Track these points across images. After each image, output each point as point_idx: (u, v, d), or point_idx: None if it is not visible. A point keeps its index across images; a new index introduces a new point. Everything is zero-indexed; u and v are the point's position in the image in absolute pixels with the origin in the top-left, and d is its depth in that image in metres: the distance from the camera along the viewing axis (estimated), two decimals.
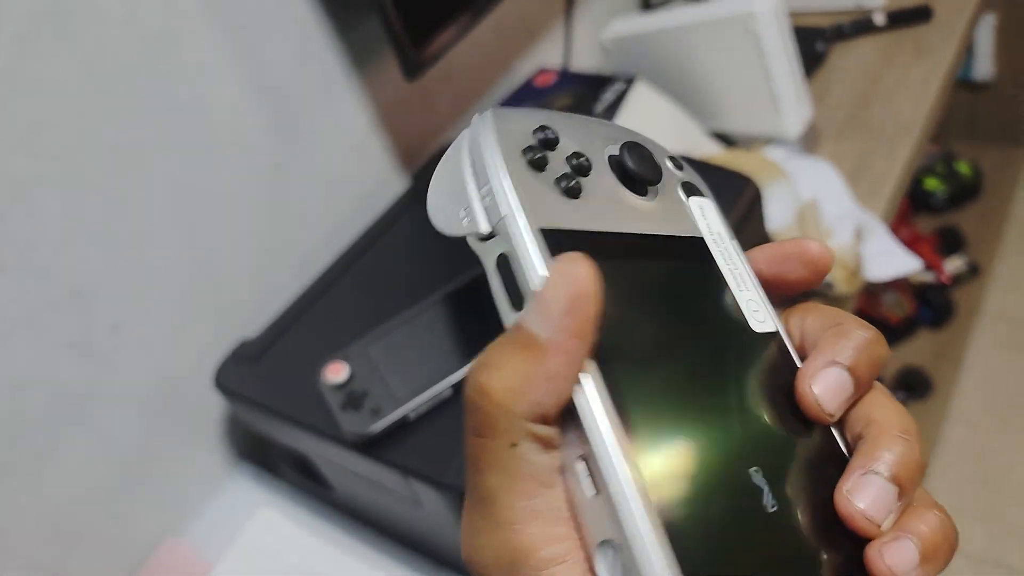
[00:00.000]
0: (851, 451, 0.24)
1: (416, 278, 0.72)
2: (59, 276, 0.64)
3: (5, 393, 0.62)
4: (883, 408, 0.24)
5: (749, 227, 0.70)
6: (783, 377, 0.25)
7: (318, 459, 0.67)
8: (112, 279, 0.67)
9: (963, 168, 1.86)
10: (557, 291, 0.21)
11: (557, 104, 0.98)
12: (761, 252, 0.28)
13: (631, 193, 0.26)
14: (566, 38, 1.12)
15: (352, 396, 0.59)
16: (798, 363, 0.25)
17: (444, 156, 0.26)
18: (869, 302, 1.61)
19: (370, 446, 0.57)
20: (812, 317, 0.26)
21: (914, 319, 1.64)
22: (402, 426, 0.57)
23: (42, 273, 0.63)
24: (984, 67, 1.83)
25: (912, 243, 1.71)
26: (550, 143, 0.25)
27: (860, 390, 0.24)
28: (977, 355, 1.63)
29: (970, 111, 1.92)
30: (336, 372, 0.60)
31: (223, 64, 0.72)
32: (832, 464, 0.23)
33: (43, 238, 0.63)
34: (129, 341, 0.69)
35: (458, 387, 0.59)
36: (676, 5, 1.22)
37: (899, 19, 1.11)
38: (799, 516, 0.22)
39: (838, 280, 0.73)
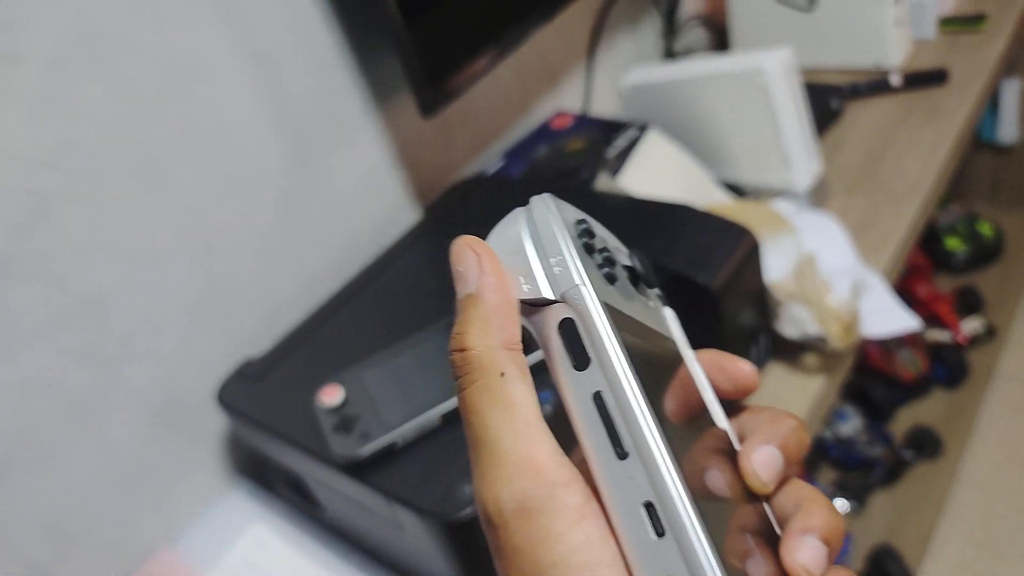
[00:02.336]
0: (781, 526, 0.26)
1: (419, 309, 0.74)
2: (76, 287, 0.67)
3: (14, 395, 0.65)
4: (811, 490, 0.27)
5: (746, 277, 0.72)
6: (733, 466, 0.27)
7: (310, 479, 0.68)
8: (126, 292, 0.70)
9: (985, 229, 1.86)
10: (469, 258, 0.26)
11: (570, 147, 1.00)
12: (703, 355, 0.31)
13: (637, 292, 0.29)
14: (586, 83, 1.15)
15: (344, 419, 0.61)
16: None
17: (496, 233, 0.28)
18: (884, 358, 1.60)
19: (358, 469, 0.59)
20: (747, 415, 0.30)
21: (928, 378, 1.63)
22: (390, 452, 0.59)
23: (60, 283, 0.66)
24: (1009, 130, 1.83)
25: (930, 302, 1.70)
26: (591, 234, 0.28)
27: (790, 468, 0.27)
28: (990, 417, 1.61)
29: (994, 173, 1.92)
30: (331, 395, 0.62)
31: (246, 93, 0.76)
32: (763, 538, 0.26)
33: (63, 250, 0.66)
34: (138, 353, 0.72)
35: (447, 417, 0.60)
36: (693, 57, 1.25)
37: (915, 81, 1.13)
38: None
39: (832, 335, 0.74)
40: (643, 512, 0.23)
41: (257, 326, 0.81)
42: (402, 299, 0.78)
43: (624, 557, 0.23)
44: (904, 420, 1.59)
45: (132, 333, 0.71)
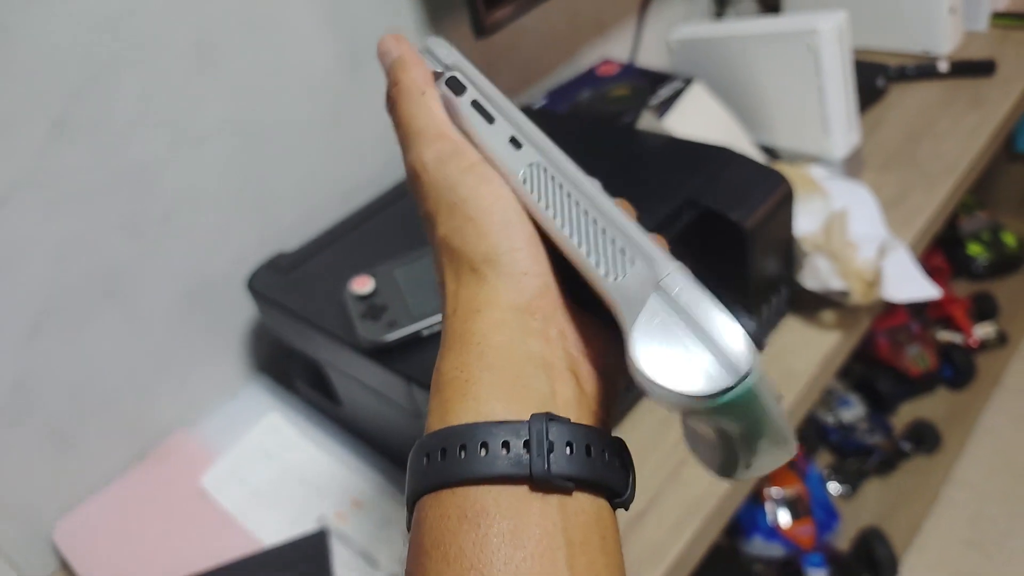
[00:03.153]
0: None
1: None
2: (122, 157, 0.68)
3: (52, 257, 0.67)
4: None
5: (777, 222, 0.73)
6: None
7: (331, 369, 0.70)
8: (170, 170, 0.72)
9: (1008, 239, 1.86)
10: (389, 43, 0.38)
11: (614, 93, 1.01)
12: None
13: None
14: (636, 35, 1.16)
15: (372, 308, 0.62)
16: None
17: None
18: (892, 352, 1.61)
19: (382, 354, 0.60)
20: None
21: (935, 375, 1.64)
22: (415, 341, 0.61)
23: (108, 150, 0.67)
24: None
25: (946, 304, 1.71)
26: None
27: None
28: (991, 422, 1.62)
29: (1023, 184, 1.91)
30: (362, 285, 0.64)
31: None
32: None
33: (115, 118, 0.67)
34: (176, 231, 0.74)
35: None
36: (746, 18, 1.25)
37: (962, 69, 1.13)
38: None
39: (855, 291, 0.75)
40: (508, 142, 0.34)
41: (292, 223, 0.82)
42: None
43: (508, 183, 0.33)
44: (906, 414, 1.60)
45: (172, 210, 0.73)
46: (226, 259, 0.78)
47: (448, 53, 0.38)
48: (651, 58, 1.18)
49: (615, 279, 0.29)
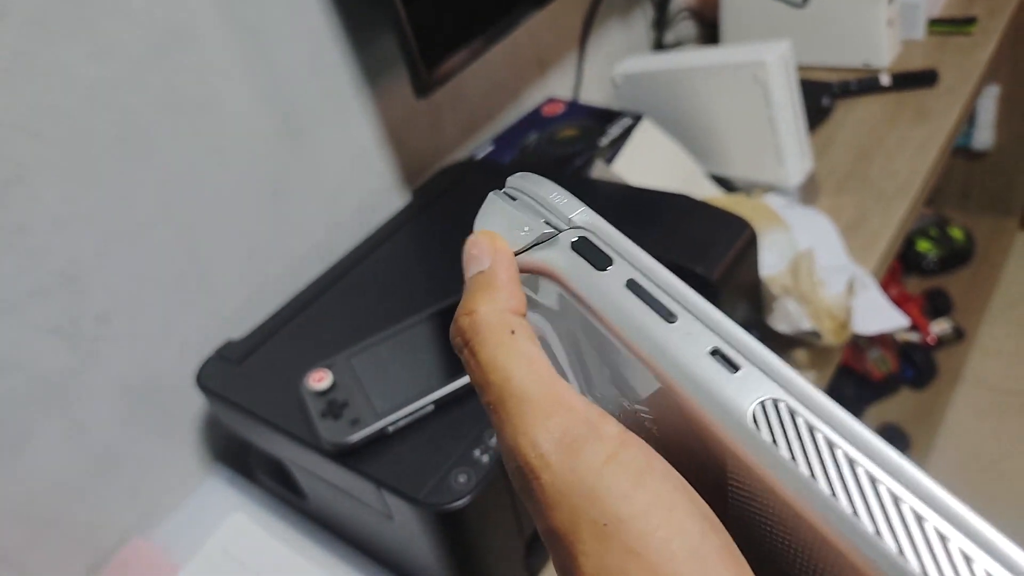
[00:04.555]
0: None
1: (407, 294, 0.73)
2: (51, 260, 0.64)
3: None
4: None
5: (743, 270, 0.71)
6: None
7: (294, 466, 0.66)
8: (104, 268, 0.67)
9: (956, 233, 1.89)
10: (483, 241, 0.27)
11: (562, 135, 0.99)
12: None
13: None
14: (577, 71, 1.14)
15: (333, 405, 0.59)
16: None
17: (484, 213, 0.28)
18: (854, 356, 1.62)
19: (347, 456, 0.57)
20: None
21: (897, 377, 1.65)
22: (380, 439, 0.57)
23: (34, 256, 0.63)
24: (984, 137, 1.86)
25: (900, 303, 1.72)
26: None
27: None
28: (955, 417, 1.63)
29: (967, 178, 1.95)
30: (319, 380, 0.60)
31: (235, 66, 0.73)
32: None
33: (38, 221, 0.62)
34: (115, 332, 0.69)
35: (439, 404, 0.59)
36: (688, 48, 1.24)
37: (905, 81, 1.13)
38: None
39: (826, 331, 0.73)
40: (708, 356, 0.22)
41: (239, 307, 0.78)
42: (389, 283, 0.75)
43: (697, 412, 0.22)
44: (873, 418, 1.61)
45: (109, 310, 0.68)
46: (171, 353, 0.73)
47: (565, 197, 0.27)
48: (595, 93, 1.16)
49: None
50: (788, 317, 0.74)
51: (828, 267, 0.80)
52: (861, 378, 1.63)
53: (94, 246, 0.66)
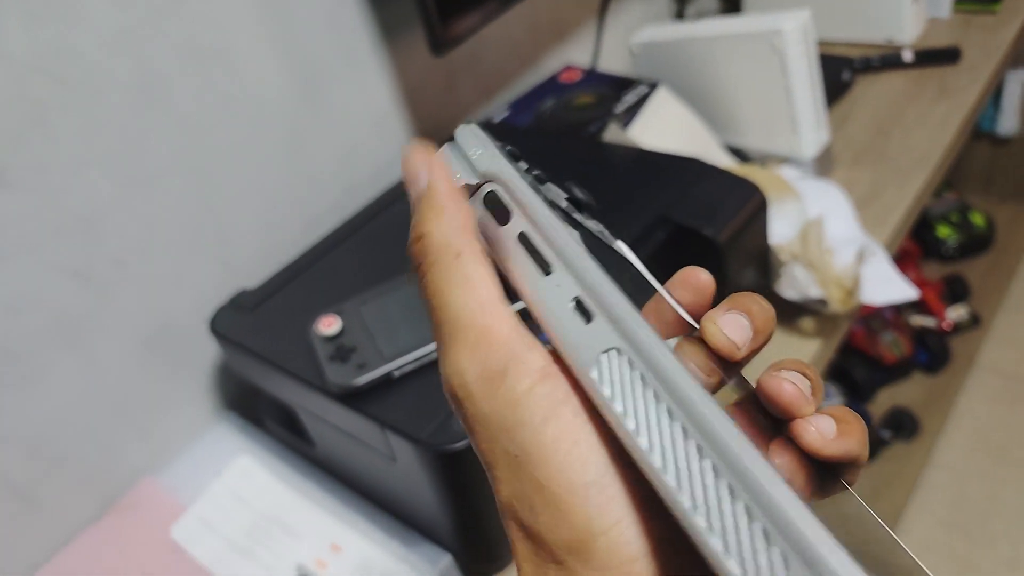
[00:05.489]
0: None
1: None
2: (70, 202, 0.65)
3: (2, 311, 0.63)
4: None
5: (751, 234, 0.71)
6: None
7: (302, 411, 0.68)
8: (121, 213, 0.68)
9: (977, 219, 1.87)
10: (417, 160, 0.28)
11: (578, 101, 0.99)
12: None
13: (583, 217, 0.28)
14: (596, 39, 1.14)
15: (341, 349, 0.60)
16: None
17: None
18: (868, 340, 1.61)
19: (353, 398, 0.58)
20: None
21: (910, 361, 1.64)
22: (386, 383, 0.58)
23: (54, 196, 0.64)
24: (1010, 122, 1.83)
25: (918, 287, 1.71)
26: (516, 156, 0.29)
27: (758, 338, 0.25)
28: (967, 404, 1.63)
29: (990, 164, 1.92)
30: (328, 325, 0.62)
31: (252, 18, 0.74)
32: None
33: (58, 162, 0.64)
34: (131, 276, 0.70)
35: None
36: (708, 18, 1.23)
37: (927, 58, 1.12)
38: None
39: (833, 299, 0.73)
40: (571, 307, 0.24)
41: (253, 258, 0.79)
42: (401, 238, 0.76)
43: (572, 372, 0.23)
44: (884, 401, 1.61)
45: (125, 254, 0.70)
46: (186, 300, 0.75)
47: (483, 149, 0.28)
48: (613, 61, 1.16)
49: None
50: (795, 284, 0.75)
51: (839, 237, 0.80)
52: (874, 361, 1.62)
53: (110, 190, 0.67)
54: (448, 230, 0.26)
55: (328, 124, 0.82)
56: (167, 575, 0.68)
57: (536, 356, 0.23)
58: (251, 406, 0.80)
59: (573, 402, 0.23)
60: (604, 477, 0.21)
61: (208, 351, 0.78)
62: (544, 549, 0.22)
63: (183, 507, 0.73)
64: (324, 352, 0.60)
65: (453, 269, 0.25)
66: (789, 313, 0.79)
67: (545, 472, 0.21)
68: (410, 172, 0.28)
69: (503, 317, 0.24)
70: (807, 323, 0.79)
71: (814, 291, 0.74)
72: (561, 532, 0.21)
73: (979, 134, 1.87)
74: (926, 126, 1.01)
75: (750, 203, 0.70)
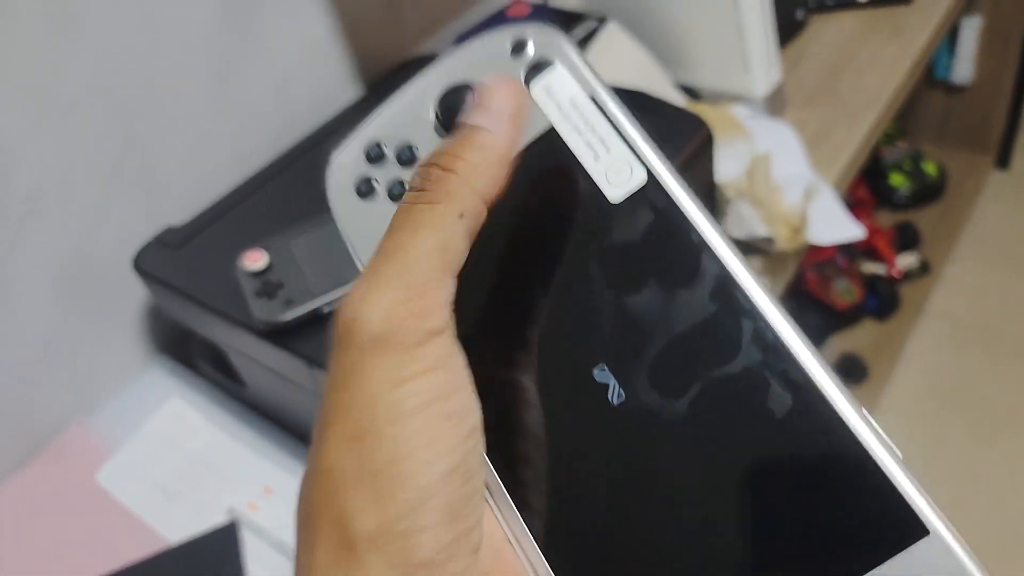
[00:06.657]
0: None
1: None
2: None
3: None
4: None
5: (696, 169, 0.69)
6: (660, 226, 0.23)
7: (231, 351, 0.65)
8: (33, 142, 0.64)
9: (929, 168, 1.88)
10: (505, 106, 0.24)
11: None
12: None
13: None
14: None
15: (267, 285, 0.57)
16: None
17: None
18: (821, 286, 1.62)
19: (280, 335, 0.56)
20: None
21: (860, 307, 1.66)
22: (314, 320, 0.56)
23: None
24: (964, 70, 1.83)
25: (870, 235, 1.72)
26: (377, 159, 0.26)
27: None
28: (916, 349, 1.65)
29: (944, 113, 1.93)
30: (254, 260, 0.59)
31: None
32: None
33: None
34: (46, 210, 0.67)
35: None
36: None
37: None
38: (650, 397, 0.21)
39: (780, 237, 0.72)
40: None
41: (181, 194, 0.76)
42: None
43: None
44: (835, 347, 1.62)
45: (40, 188, 0.66)
46: (109, 237, 0.71)
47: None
48: None
49: None
50: (742, 221, 0.73)
51: (787, 176, 0.79)
52: (827, 308, 1.63)
53: (21, 120, 0.63)
54: (474, 190, 0.22)
55: (259, 52, 0.78)
56: (92, 521, 0.66)
57: (441, 344, 0.21)
58: (185, 349, 0.77)
59: (449, 407, 0.20)
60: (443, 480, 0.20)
61: (137, 292, 0.75)
62: (335, 529, 0.20)
63: (112, 452, 0.70)
64: (250, 288, 0.58)
65: (441, 223, 0.22)
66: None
67: (382, 466, 0.19)
68: (490, 106, 0.23)
69: (441, 290, 0.21)
70: (754, 262, 0.78)
71: (761, 229, 0.73)
72: (373, 517, 0.19)
73: (933, 82, 1.87)
74: (878, 67, 1.00)
75: (695, 138, 0.68)
